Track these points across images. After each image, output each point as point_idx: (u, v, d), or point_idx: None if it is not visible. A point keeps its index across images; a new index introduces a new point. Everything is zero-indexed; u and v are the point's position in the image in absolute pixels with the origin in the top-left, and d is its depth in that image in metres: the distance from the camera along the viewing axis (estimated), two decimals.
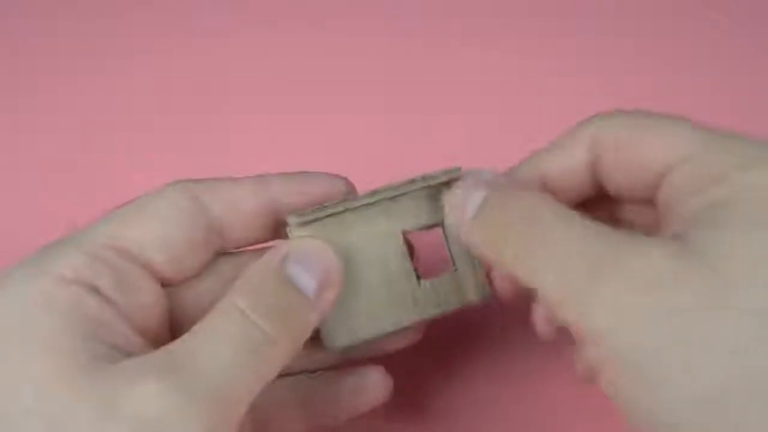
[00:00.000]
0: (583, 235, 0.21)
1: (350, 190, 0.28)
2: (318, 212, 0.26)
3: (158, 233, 0.24)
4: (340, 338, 0.27)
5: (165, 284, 0.25)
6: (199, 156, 0.43)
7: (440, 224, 0.28)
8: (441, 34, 0.52)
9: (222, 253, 0.26)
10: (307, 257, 0.24)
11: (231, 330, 0.22)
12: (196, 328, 0.22)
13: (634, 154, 0.24)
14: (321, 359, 0.28)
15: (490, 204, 0.24)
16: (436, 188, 0.27)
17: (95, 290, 0.22)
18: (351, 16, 0.53)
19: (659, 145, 0.23)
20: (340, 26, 0.52)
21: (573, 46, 0.51)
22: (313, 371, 0.28)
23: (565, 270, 0.21)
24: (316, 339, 0.26)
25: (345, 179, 0.28)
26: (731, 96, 0.48)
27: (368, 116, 0.45)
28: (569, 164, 0.26)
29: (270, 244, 0.26)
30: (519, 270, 0.23)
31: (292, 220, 0.25)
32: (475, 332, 0.35)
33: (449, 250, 0.28)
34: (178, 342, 0.22)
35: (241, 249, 0.27)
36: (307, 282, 0.24)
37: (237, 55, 0.50)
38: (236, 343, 0.22)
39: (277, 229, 0.27)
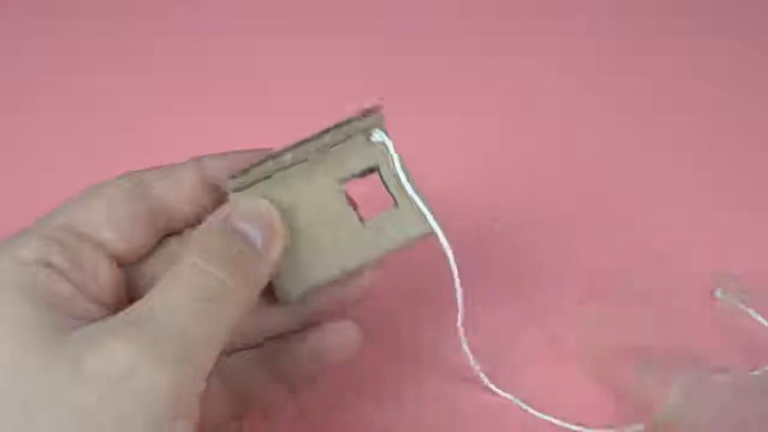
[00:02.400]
0: None
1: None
2: (251, 171, 0.27)
3: (107, 213, 0.26)
4: (292, 289, 0.27)
5: (120, 263, 0.26)
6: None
7: (376, 168, 0.28)
8: (439, 33, 0.52)
9: (171, 234, 0.28)
10: (248, 212, 0.26)
11: (186, 282, 0.23)
12: (153, 289, 0.23)
13: None
14: (285, 320, 0.29)
15: None
16: (364, 131, 0.28)
17: (52, 267, 0.24)
18: (344, 16, 0.53)
19: None
20: (336, 25, 0.52)
21: (573, 46, 0.51)
22: (282, 335, 0.29)
23: None
24: (275, 300, 0.27)
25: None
26: (731, 95, 0.48)
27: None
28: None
29: None
30: None
31: (230, 184, 0.27)
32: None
33: (388, 189, 0.28)
34: (136, 303, 0.23)
35: (188, 228, 0.28)
36: (252, 234, 0.25)
37: (240, 57, 0.50)
38: (193, 293, 0.23)
39: (218, 205, 0.28)
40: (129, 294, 0.26)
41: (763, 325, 0.35)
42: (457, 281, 0.28)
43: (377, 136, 0.28)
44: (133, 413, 0.21)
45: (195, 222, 0.28)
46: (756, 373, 0.33)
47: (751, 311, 0.35)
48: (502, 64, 0.50)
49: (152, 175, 0.27)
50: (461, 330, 0.30)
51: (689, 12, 0.54)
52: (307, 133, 0.27)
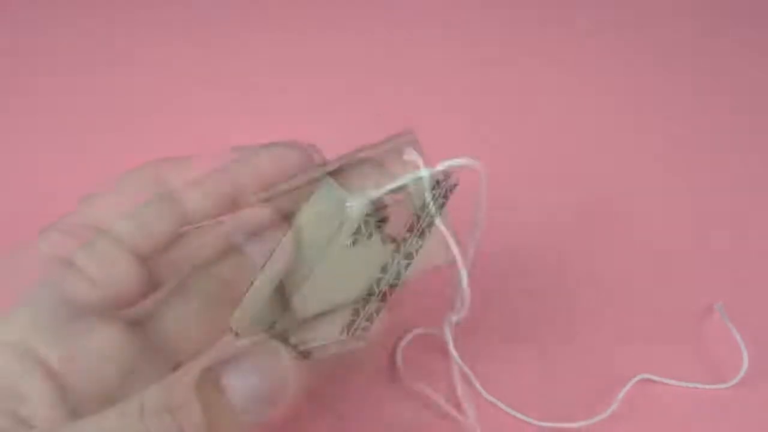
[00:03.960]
0: None
1: (305, 161, 0.28)
2: (281, 185, 0.27)
3: (125, 208, 0.26)
4: (309, 307, 0.27)
5: (138, 255, 0.27)
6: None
7: (405, 187, 0.27)
8: (439, 33, 0.52)
9: (189, 226, 0.28)
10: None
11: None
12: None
13: None
14: None
15: None
16: (400, 153, 0.27)
17: (70, 263, 0.24)
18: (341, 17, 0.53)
19: None
20: (337, 25, 0.52)
21: (573, 45, 0.51)
22: None
23: None
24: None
25: (304, 149, 0.28)
26: (731, 96, 0.48)
27: (361, 115, 0.46)
28: None
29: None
30: None
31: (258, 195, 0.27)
32: None
33: (416, 215, 0.27)
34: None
35: (206, 222, 0.28)
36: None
37: (241, 57, 0.50)
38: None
39: (236, 203, 0.28)
40: (152, 284, 0.27)
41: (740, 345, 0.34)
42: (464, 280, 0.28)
43: (412, 159, 0.27)
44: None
45: (212, 215, 0.28)
46: (720, 386, 0.33)
47: (733, 330, 0.34)
48: (501, 63, 0.50)
49: (171, 168, 0.27)
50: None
51: (690, 12, 0.54)
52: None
